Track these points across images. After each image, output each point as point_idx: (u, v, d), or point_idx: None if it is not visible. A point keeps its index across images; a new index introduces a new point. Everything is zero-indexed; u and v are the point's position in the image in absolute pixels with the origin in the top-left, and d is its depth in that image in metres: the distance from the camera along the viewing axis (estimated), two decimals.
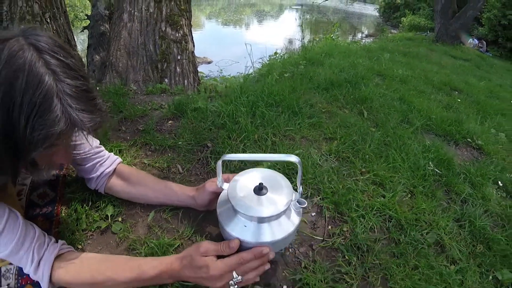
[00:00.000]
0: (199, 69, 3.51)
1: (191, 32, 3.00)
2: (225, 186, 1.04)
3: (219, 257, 0.90)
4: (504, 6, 11.34)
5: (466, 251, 1.34)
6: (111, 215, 1.23)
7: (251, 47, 3.90)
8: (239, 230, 0.91)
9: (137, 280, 0.90)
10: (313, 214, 1.36)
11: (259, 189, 0.94)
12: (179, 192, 1.21)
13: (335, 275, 1.11)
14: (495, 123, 2.85)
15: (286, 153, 1.57)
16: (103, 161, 1.20)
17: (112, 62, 2.70)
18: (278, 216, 0.92)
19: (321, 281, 1.08)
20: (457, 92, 3.57)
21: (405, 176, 1.61)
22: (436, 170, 1.74)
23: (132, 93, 2.42)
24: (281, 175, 1.02)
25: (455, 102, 3.10)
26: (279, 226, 0.92)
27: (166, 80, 2.76)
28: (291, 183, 1.03)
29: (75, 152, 1.10)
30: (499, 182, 1.89)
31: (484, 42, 11.51)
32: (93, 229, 1.19)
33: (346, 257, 1.18)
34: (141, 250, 1.11)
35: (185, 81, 2.88)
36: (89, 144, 1.13)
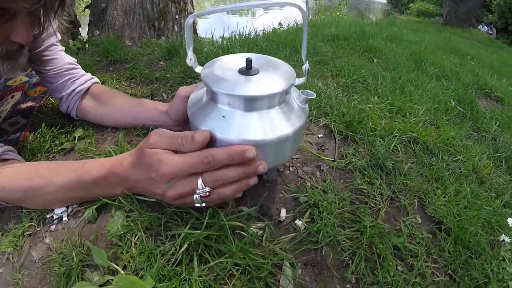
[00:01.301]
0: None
1: None
2: (199, 68, 0.70)
3: None
4: None
5: (508, 186, 1.12)
6: (78, 137, 1.02)
7: (252, 22, 3.68)
8: (216, 124, 0.60)
9: (79, 183, 0.67)
10: (319, 135, 1.10)
11: (247, 68, 0.63)
12: (150, 107, 0.97)
13: (354, 197, 0.85)
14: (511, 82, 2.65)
15: None
16: (76, 78, 1.04)
17: (108, 21, 2.61)
18: (271, 102, 0.62)
19: (335, 203, 0.80)
20: (469, 57, 3.34)
21: (426, 108, 1.39)
22: (459, 107, 1.52)
23: (127, 47, 2.25)
24: (284, 63, 0.72)
25: (469, 63, 2.88)
26: (274, 121, 0.61)
27: (163, 38, 2.66)
28: None
29: (47, 67, 0.99)
30: None
31: (494, 29, 11.27)
32: (57, 150, 0.98)
33: (367, 177, 0.92)
34: None
35: (183, 40, 2.78)
36: (62, 60, 1.02)
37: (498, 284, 0.76)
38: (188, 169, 0.57)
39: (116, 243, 0.65)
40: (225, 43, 1.86)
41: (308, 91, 0.67)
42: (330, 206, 0.79)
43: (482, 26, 11.23)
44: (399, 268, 0.72)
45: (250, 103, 0.60)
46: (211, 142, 0.59)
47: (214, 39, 2.25)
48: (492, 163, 1.22)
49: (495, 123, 1.54)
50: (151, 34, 2.63)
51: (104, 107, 1.04)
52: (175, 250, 0.62)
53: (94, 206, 0.70)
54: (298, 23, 3.54)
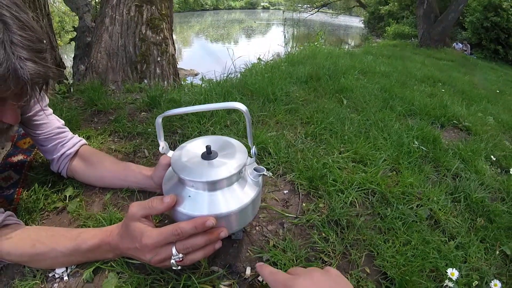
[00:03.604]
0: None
1: (172, 36, 3.09)
2: (170, 153, 0.89)
3: None
4: (485, 9, 11.61)
5: (465, 225, 1.21)
6: (69, 196, 1.12)
7: (233, 51, 3.84)
8: (184, 202, 0.75)
9: (77, 251, 0.80)
10: (285, 191, 1.22)
11: (207, 153, 0.79)
12: (136, 171, 1.10)
13: (310, 254, 0.96)
14: (482, 108, 2.77)
15: (259, 136, 1.49)
16: (65, 142, 1.14)
17: (92, 64, 2.73)
18: (229, 181, 0.76)
19: (293, 261, 0.92)
20: (441, 84, 3.49)
21: (388, 153, 1.50)
22: (422, 147, 1.63)
23: (110, 92, 2.38)
24: (236, 140, 0.87)
25: (439, 92, 3.02)
26: (231, 197, 0.76)
27: (145, 80, 2.80)
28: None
29: (37, 131, 1.08)
30: (492, 157, 1.78)
31: (468, 45, 11.68)
32: (50, 209, 1.09)
33: (323, 234, 1.04)
34: (92, 227, 0.99)
35: (165, 82, 2.95)
36: (52, 124, 1.11)
37: None
38: (163, 240, 0.70)
39: None
40: (201, 96, 1.96)
41: (259, 167, 0.81)
42: (288, 263, 0.91)
43: (457, 44, 11.64)
44: None
45: (211, 185, 0.74)
46: (182, 216, 0.74)
47: (193, 82, 2.41)
48: (451, 202, 1.32)
49: (458, 159, 1.64)
50: (133, 77, 2.77)
51: (93, 169, 1.14)
52: None
53: (91, 269, 0.82)
54: (276, 57, 3.74)
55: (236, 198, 0.76)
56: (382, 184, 1.25)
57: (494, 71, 7.92)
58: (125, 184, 1.13)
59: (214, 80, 2.60)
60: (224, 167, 0.75)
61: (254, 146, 0.82)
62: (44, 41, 0.73)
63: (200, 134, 1.55)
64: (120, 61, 2.74)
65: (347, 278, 0.91)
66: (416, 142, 1.64)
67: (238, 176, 0.79)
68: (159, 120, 0.84)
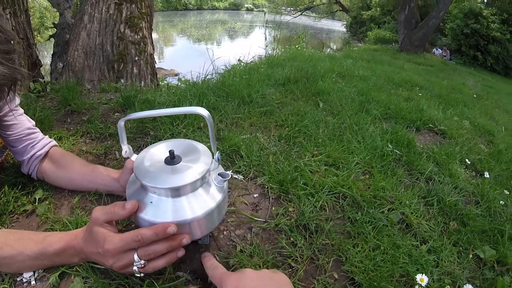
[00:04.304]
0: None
1: (151, 35, 3.07)
2: (134, 157, 0.87)
3: None
4: (466, 16, 11.95)
5: (437, 229, 1.22)
6: (38, 199, 1.10)
7: (213, 52, 3.82)
8: (147, 209, 0.74)
9: (43, 254, 0.79)
10: (255, 195, 1.21)
11: (171, 158, 0.77)
12: (104, 174, 1.10)
13: (277, 259, 0.95)
14: (458, 112, 2.83)
15: (232, 139, 1.48)
16: (35, 143, 1.14)
17: (69, 62, 2.70)
18: (191, 188, 0.75)
19: (259, 266, 0.91)
20: (418, 88, 3.55)
21: (361, 156, 1.50)
22: (396, 151, 1.64)
23: (85, 91, 2.34)
24: (202, 144, 0.86)
25: (416, 96, 3.07)
26: (195, 202, 0.75)
27: (122, 80, 2.78)
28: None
29: (8, 132, 1.08)
30: (467, 160, 1.81)
31: (448, 51, 11.97)
32: (19, 212, 1.07)
33: (291, 238, 1.03)
34: (59, 230, 0.97)
35: (142, 82, 2.92)
36: (22, 125, 1.11)
37: None
38: (125, 246, 0.70)
39: None
40: (176, 97, 1.93)
41: (224, 172, 0.81)
42: (255, 268, 0.87)
43: (437, 49, 11.94)
44: None
45: (174, 191, 0.73)
46: (145, 223, 0.74)
47: (171, 82, 2.39)
48: (424, 206, 1.32)
49: (432, 163, 1.66)
50: (110, 76, 2.73)
51: (63, 171, 1.13)
52: None
53: (57, 273, 0.82)
54: (256, 59, 3.74)
55: (200, 204, 0.75)
56: (354, 187, 1.25)
57: (472, 76, 8.15)
58: (93, 187, 1.12)
59: (191, 81, 2.59)
60: (187, 172, 0.74)
61: (218, 152, 0.81)
62: (12, 42, 0.72)
63: (172, 136, 1.53)
64: (97, 59, 2.71)
65: (314, 283, 0.90)
66: (390, 146, 1.65)
67: (202, 182, 0.78)
68: (121, 123, 0.82)
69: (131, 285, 0.80)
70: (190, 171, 0.74)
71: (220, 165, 0.86)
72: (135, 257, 0.71)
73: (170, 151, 0.77)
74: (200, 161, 0.78)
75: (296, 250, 0.99)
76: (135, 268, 0.71)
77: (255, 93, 2.10)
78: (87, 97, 2.08)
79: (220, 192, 0.80)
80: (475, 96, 4.40)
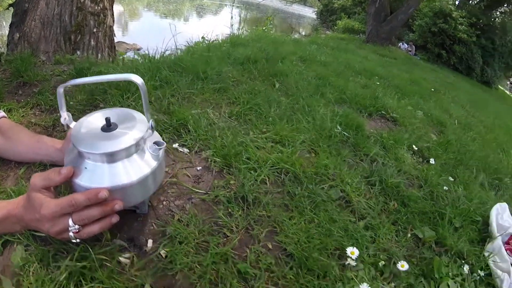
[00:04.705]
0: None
1: (112, 7, 2.97)
2: (72, 124, 0.87)
3: None
4: (435, 15, 12.35)
5: (377, 208, 1.28)
6: None
7: (175, 27, 3.75)
8: (82, 174, 0.76)
9: None
10: (198, 168, 1.22)
11: (107, 125, 0.79)
12: (49, 145, 1.09)
13: (213, 228, 0.98)
14: (413, 102, 2.94)
15: (181, 113, 1.47)
16: None
17: (25, 33, 2.58)
18: (126, 154, 0.78)
19: (194, 234, 0.94)
20: (377, 77, 3.66)
21: (308, 135, 1.54)
22: (344, 133, 1.69)
23: (40, 63, 2.27)
24: (139, 113, 0.87)
25: (374, 84, 3.17)
26: (129, 169, 0.77)
27: (78, 52, 2.69)
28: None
29: None
30: (414, 147, 1.90)
31: (413, 46, 12.36)
32: None
33: (229, 209, 1.05)
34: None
35: (99, 54, 2.85)
36: None
37: None
38: (60, 211, 0.72)
39: (18, 273, 0.79)
40: (129, 71, 1.89)
41: (160, 141, 0.84)
42: (189, 236, 0.93)
43: (403, 44, 12.31)
44: None
45: (107, 157, 0.75)
46: (80, 188, 0.76)
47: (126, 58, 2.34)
48: (366, 185, 1.38)
49: (379, 146, 1.72)
50: (66, 48, 2.64)
51: (9, 143, 1.11)
52: (59, 276, 0.78)
53: (0, 242, 0.83)
54: (221, 37, 3.73)
55: (134, 170, 0.77)
56: (297, 164, 1.28)
57: (434, 72, 8.46)
58: (38, 158, 1.12)
59: (149, 56, 2.54)
60: (122, 138, 0.76)
61: (151, 120, 0.83)
62: None
63: None
64: (54, 30, 2.61)
65: (247, 252, 0.94)
66: (339, 127, 1.70)
67: (137, 148, 0.80)
68: (60, 90, 0.83)
69: (69, 251, 0.82)
70: (125, 137, 0.77)
71: (155, 132, 0.89)
72: (70, 222, 0.72)
73: (106, 119, 0.79)
74: (135, 128, 0.79)
75: (232, 221, 1.01)
76: (71, 234, 0.73)
77: (211, 70, 2.09)
78: (41, 69, 2.03)
79: (155, 160, 0.82)
80: (432, 90, 4.59)
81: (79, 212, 0.73)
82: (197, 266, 0.87)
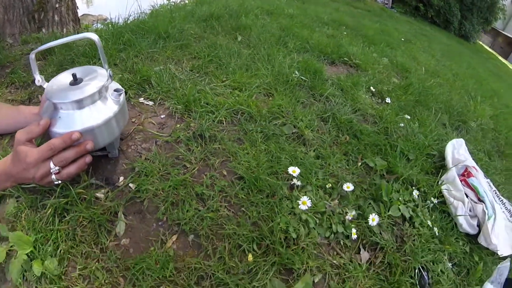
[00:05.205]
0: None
1: None
2: (45, 84, 1.02)
3: None
4: None
5: (328, 140, 1.42)
6: None
7: None
8: (57, 123, 0.91)
9: None
10: (162, 116, 1.36)
11: (74, 80, 0.95)
12: (26, 112, 1.20)
13: (174, 162, 1.14)
14: (380, 50, 3.06)
15: (144, 71, 1.58)
16: None
17: None
18: (91, 101, 0.93)
19: (158, 168, 1.10)
20: (345, 27, 3.74)
21: (266, 81, 1.66)
22: (302, 77, 1.81)
23: (8, 46, 2.31)
24: (101, 68, 1.03)
25: (340, 34, 3.26)
26: (95, 113, 0.94)
27: (43, 29, 2.70)
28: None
29: None
30: (372, 88, 2.03)
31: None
32: None
33: (189, 146, 1.20)
34: None
35: (64, 29, 2.85)
36: None
37: (283, 217, 1.03)
38: (42, 156, 0.86)
39: (12, 220, 0.96)
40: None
41: (119, 88, 1.01)
42: (154, 171, 1.09)
43: None
44: (200, 208, 1.04)
45: (76, 104, 0.91)
46: (57, 135, 0.90)
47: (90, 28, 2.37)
48: (318, 121, 1.53)
49: (337, 89, 1.86)
50: (31, 27, 2.65)
51: None
52: (46, 214, 0.96)
53: None
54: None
55: (99, 114, 0.94)
56: (252, 105, 1.42)
57: (409, 24, 8.55)
58: (19, 126, 1.20)
59: (112, 22, 2.58)
60: (87, 87, 0.93)
61: (109, 69, 0.99)
62: None
63: None
64: (17, 12, 2.58)
65: (203, 178, 1.09)
66: (297, 73, 1.82)
67: (100, 96, 0.96)
68: (32, 56, 0.97)
69: (53, 195, 1.00)
70: (89, 87, 0.93)
71: (114, 81, 1.04)
72: (51, 164, 0.87)
73: (73, 75, 0.95)
74: (97, 79, 0.97)
75: (191, 154, 1.17)
76: (53, 176, 0.88)
77: (173, 29, 2.16)
78: (10, 52, 2.09)
79: (116, 104, 0.99)
80: (403, 39, 4.70)
81: (58, 155, 0.88)
82: (161, 192, 1.05)
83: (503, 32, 20.01)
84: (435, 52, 5.07)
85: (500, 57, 16.20)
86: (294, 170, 1.12)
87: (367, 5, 8.36)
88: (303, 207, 1.04)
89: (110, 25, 2.30)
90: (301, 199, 1.06)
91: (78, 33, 2.86)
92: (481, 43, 16.12)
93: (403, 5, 12.49)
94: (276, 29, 2.69)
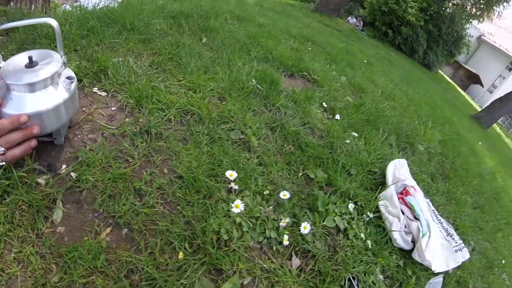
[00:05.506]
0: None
1: None
2: (2, 64, 1.01)
3: None
4: None
5: (273, 149, 1.47)
6: None
7: None
8: (8, 104, 0.92)
9: None
10: (113, 108, 1.36)
11: (30, 63, 0.96)
12: None
13: (118, 155, 1.15)
14: (340, 69, 3.17)
15: (102, 60, 1.57)
16: None
17: None
18: (43, 85, 0.95)
19: (101, 160, 1.11)
20: (310, 43, 3.84)
21: (222, 85, 1.69)
22: (258, 86, 1.86)
23: None
24: (56, 52, 1.03)
25: (305, 49, 3.35)
26: (45, 97, 0.95)
27: (11, 3, 2.63)
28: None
29: None
30: (324, 104, 2.11)
31: (362, 22, 12.75)
32: None
33: (134, 141, 1.21)
34: None
35: (33, 6, 2.81)
36: None
37: (216, 218, 1.06)
38: None
39: None
40: (58, 21, 1.91)
41: (71, 75, 1.02)
42: (96, 162, 1.10)
43: (351, 18, 12.65)
44: (136, 203, 1.06)
45: (28, 87, 0.92)
46: (7, 116, 0.90)
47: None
48: (267, 130, 1.58)
49: (290, 101, 1.92)
50: (1, 1, 2.56)
51: None
52: None
53: None
54: None
55: (50, 99, 0.95)
56: (203, 107, 1.44)
57: (376, 48, 8.87)
58: None
59: (82, 7, 2.52)
60: (39, 72, 0.94)
61: (64, 57, 1.01)
62: None
63: None
64: None
65: (143, 175, 1.10)
66: (254, 81, 1.86)
67: (52, 81, 0.97)
68: None
69: None
70: (42, 71, 0.94)
71: (67, 68, 1.05)
72: None
73: (29, 57, 0.95)
74: (51, 64, 0.98)
75: (135, 150, 1.18)
76: None
77: (139, 22, 2.15)
78: None
79: (67, 92, 1.00)
80: (365, 61, 4.88)
81: (5, 135, 0.88)
82: (100, 183, 1.06)
83: (465, 66, 21.16)
84: (394, 77, 5.28)
85: (459, 89, 17.14)
86: (231, 174, 1.15)
87: (339, 25, 8.60)
88: (235, 210, 1.08)
89: (78, 9, 2.26)
90: (234, 202, 1.09)
91: (45, 12, 2.82)
92: (442, 73, 16.95)
93: (373, 29, 12.95)
94: (243, 36, 2.73)
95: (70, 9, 3.07)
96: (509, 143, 14.14)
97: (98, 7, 2.55)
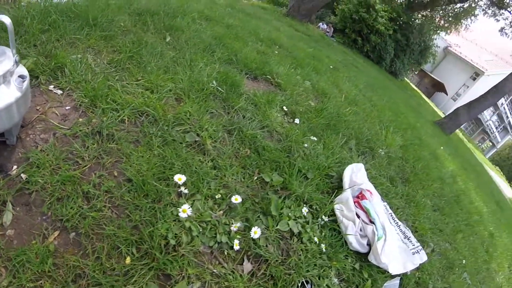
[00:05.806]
0: None
1: None
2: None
3: None
4: (359, 4, 12.92)
5: (229, 152, 1.46)
6: None
7: None
8: None
9: None
10: (67, 107, 1.33)
11: None
12: None
13: (68, 156, 1.13)
14: (305, 73, 3.19)
15: (59, 57, 1.53)
16: None
17: None
18: None
19: (51, 161, 1.09)
20: (278, 47, 3.85)
21: (181, 86, 1.66)
22: (218, 87, 1.85)
23: None
24: (9, 49, 1.00)
25: (272, 52, 3.35)
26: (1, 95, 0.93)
27: None
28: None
29: None
30: (285, 108, 2.12)
31: (332, 28, 12.93)
32: None
33: (85, 142, 1.19)
34: None
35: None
36: None
37: (165, 223, 1.05)
38: None
39: None
40: (21, 14, 1.82)
41: (24, 74, 1.00)
42: (46, 163, 1.08)
43: (322, 24, 12.82)
44: (83, 206, 1.04)
45: None
46: None
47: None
48: (223, 133, 1.57)
49: (250, 104, 1.92)
50: None
51: None
52: None
53: None
54: None
55: (1, 98, 0.93)
56: (159, 108, 1.42)
57: (344, 54, 9.00)
58: None
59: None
60: None
61: (16, 55, 0.98)
62: None
63: None
64: None
65: (92, 177, 1.08)
66: (214, 82, 1.85)
67: (4, 80, 0.95)
68: None
69: None
70: None
71: (22, 67, 1.04)
72: None
73: None
74: (3, 63, 0.95)
75: (86, 151, 1.16)
76: None
77: (102, 18, 2.09)
78: None
79: (19, 91, 0.97)
80: (331, 67, 4.94)
81: None
82: (49, 185, 1.04)
83: (430, 74, 21.90)
84: (359, 83, 5.38)
85: (424, 96, 17.69)
86: (180, 178, 1.14)
87: (309, 30, 8.68)
88: (183, 215, 1.07)
89: (43, 1, 2.17)
90: (182, 207, 1.08)
91: (10, 2, 2.70)
92: (408, 81, 17.45)
93: (343, 36, 13.17)
94: (209, 36, 2.70)
95: (35, 1, 2.97)
96: (471, 148, 14.74)
97: (64, 0, 2.48)
